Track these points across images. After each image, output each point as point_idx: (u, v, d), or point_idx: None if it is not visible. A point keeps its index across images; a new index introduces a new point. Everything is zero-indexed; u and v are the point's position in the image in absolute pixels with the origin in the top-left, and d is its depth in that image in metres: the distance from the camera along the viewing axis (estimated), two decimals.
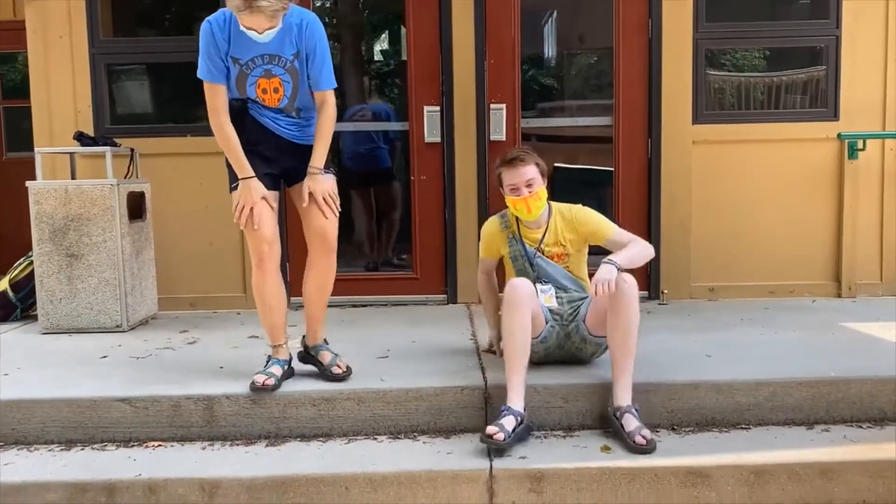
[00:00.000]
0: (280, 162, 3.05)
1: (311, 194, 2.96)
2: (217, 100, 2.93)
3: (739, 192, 4.74)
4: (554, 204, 3.26)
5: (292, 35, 2.89)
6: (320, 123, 2.99)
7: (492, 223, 3.32)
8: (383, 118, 5.15)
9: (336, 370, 3.05)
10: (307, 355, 3.19)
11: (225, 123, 2.93)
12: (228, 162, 2.98)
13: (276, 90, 2.93)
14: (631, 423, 2.80)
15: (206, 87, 2.94)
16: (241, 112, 2.97)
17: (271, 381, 2.95)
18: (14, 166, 6.34)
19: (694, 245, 4.75)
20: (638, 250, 3.07)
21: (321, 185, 2.96)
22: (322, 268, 3.07)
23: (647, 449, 2.73)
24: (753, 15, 4.77)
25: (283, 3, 2.73)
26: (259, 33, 2.79)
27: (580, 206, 3.27)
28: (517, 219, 3.22)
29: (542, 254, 3.20)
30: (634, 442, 2.75)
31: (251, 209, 2.92)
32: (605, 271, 2.89)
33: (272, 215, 3.01)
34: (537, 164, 3.13)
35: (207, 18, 2.90)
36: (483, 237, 3.34)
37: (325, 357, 3.10)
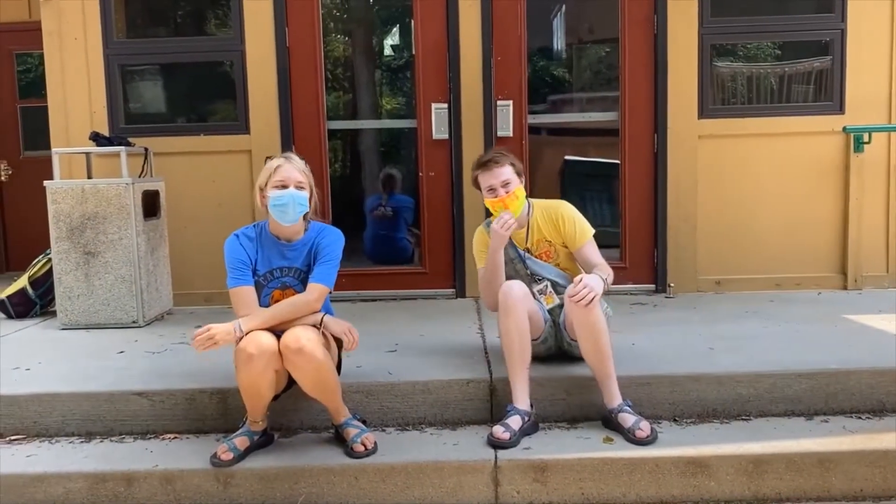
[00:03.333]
0: None
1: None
2: (251, 301, 2.84)
3: (745, 185, 4.78)
4: (534, 201, 3.26)
5: (310, 246, 2.91)
6: (286, 301, 2.82)
7: (480, 232, 3.31)
8: (404, 208, 5.14)
9: (357, 448, 2.79)
10: (336, 432, 2.94)
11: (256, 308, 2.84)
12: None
13: None
14: (627, 419, 2.86)
15: (238, 293, 2.84)
16: None
17: (230, 456, 2.76)
18: (31, 165, 6.46)
19: (700, 238, 4.80)
20: (607, 275, 3.03)
21: (219, 330, 2.69)
22: (301, 373, 2.73)
23: (648, 440, 2.80)
24: (759, 9, 4.79)
25: (308, 173, 2.90)
26: (287, 241, 2.90)
27: (561, 201, 3.27)
28: None
29: (531, 253, 3.21)
30: (635, 436, 2.80)
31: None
32: (594, 282, 2.88)
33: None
34: (512, 165, 3.13)
35: (234, 232, 2.94)
36: (475, 247, 3.32)
37: (349, 434, 2.83)
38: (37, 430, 3.08)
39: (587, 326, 2.90)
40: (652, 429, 2.84)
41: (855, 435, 2.85)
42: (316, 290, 2.83)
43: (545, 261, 3.22)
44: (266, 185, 2.87)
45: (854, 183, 4.73)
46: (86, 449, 2.96)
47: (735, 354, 3.32)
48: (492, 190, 3.11)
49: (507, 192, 3.09)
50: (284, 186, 2.84)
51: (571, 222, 3.19)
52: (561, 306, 3.15)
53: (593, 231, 3.21)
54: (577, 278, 2.93)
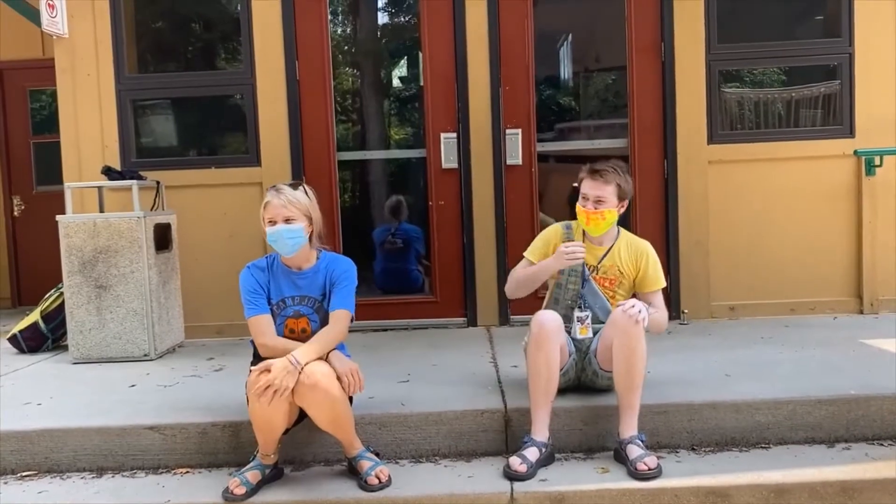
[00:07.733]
0: None
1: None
2: (268, 330, 2.87)
3: (757, 210, 4.76)
4: (626, 232, 3.23)
5: (322, 277, 2.94)
6: (324, 330, 2.83)
7: (555, 228, 3.24)
8: (413, 238, 5.19)
9: (371, 481, 2.75)
10: (349, 465, 2.91)
11: (274, 342, 2.85)
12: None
13: (303, 330, 2.91)
14: (633, 451, 2.79)
15: (255, 322, 2.87)
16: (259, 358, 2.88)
17: (242, 490, 2.72)
18: (44, 200, 6.51)
19: (713, 264, 4.77)
20: (663, 319, 3.08)
21: (279, 372, 2.64)
22: (316, 409, 2.74)
23: (648, 475, 2.71)
24: (765, 35, 4.81)
25: (300, 204, 2.85)
26: (298, 269, 2.92)
27: (648, 243, 3.22)
28: (583, 231, 3.17)
29: (596, 274, 3.15)
30: (636, 468, 2.73)
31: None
32: (640, 307, 2.87)
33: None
34: (618, 186, 3.07)
35: (247, 265, 2.97)
36: (541, 237, 3.23)
37: (363, 466, 2.80)
38: (48, 465, 3.05)
39: (626, 350, 2.85)
40: (658, 465, 2.75)
41: (878, 462, 2.80)
42: (342, 316, 2.87)
43: (604, 288, 3.15)
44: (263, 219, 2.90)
45: (866, 206, 4.70)
46: (97, 484, 2.94)
47: (752, 381, 3.27)
48: (585, 198, 3.08)
49: (595, 209, 3.05)
50: (273, 223, 2.85)
51: (655, 265, 3.16)
52: (594, 335, 3.11)
53: (665, 285, 3.21)
54: (629, 300, 2.90)
